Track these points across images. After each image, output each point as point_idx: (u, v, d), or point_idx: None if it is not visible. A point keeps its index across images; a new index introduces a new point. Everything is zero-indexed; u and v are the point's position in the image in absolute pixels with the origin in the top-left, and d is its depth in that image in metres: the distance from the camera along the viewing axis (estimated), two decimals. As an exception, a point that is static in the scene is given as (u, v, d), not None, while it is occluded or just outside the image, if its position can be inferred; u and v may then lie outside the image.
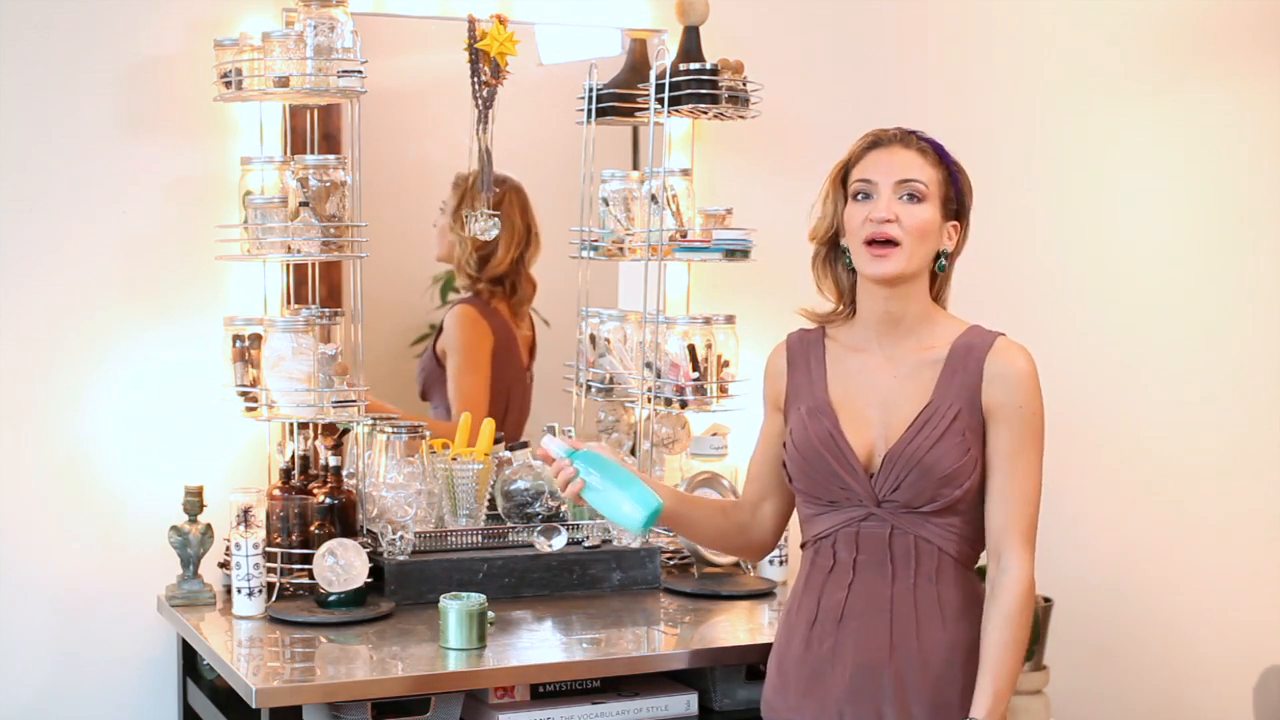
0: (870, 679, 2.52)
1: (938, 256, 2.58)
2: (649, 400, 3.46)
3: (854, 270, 2.60)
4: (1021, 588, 2.49)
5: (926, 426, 2.51)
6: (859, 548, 2.55)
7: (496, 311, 3.57)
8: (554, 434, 2.69)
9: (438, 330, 3.58)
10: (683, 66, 3.41)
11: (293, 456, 3.25)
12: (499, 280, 3.56)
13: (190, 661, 3.19)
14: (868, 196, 2.54)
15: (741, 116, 3.46)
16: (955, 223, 2.59)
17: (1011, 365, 2.52)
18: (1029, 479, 2.52)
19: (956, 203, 2.59)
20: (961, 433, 2.51)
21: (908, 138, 2.57)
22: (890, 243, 2.51)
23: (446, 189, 3.53)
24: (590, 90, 3.51)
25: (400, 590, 3.13)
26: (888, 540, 2.53)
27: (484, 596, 2.89)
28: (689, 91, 3.39)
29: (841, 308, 2.65)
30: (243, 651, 2.88)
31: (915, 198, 2.52)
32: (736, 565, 3.48)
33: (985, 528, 2.55)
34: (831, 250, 2.63)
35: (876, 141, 2.58)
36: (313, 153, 3.29)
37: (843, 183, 2.60)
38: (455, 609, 2.84)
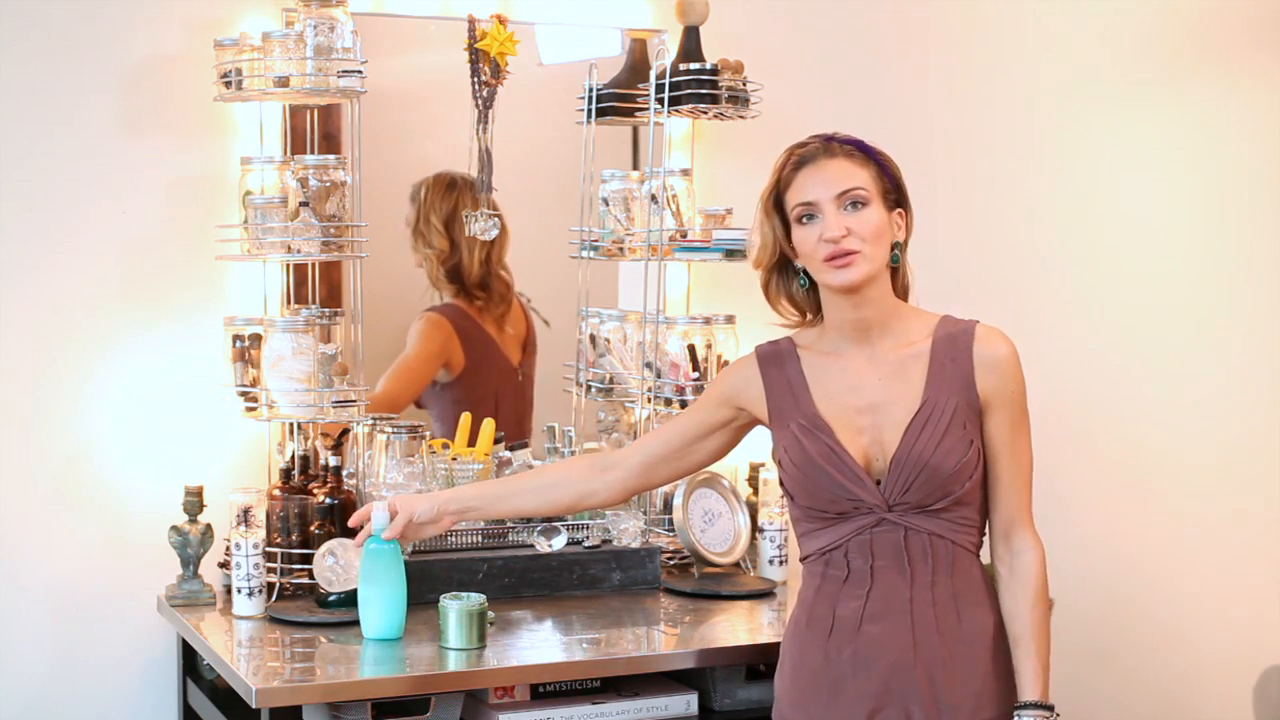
0: (898, 680, 2.53)
1: (895, 248, 2.58)
2: (649, 400, 3.46)
3: (809, 287, 2.60)
4: (1040, 566, 2.58)
5: (928, 426, 2.51)
6: (874, 554, 2.55)
7: (469, 319, 3.56)
8: (384, 503, 2.90)
9: None
10: (683, 66, 3.41)
11: (293, 456, 3.25)
12: (479, 286, 3.55)
13: (190, 661, 3.19)
14: (812, 218, 2.53)
15: (741, 116, 3.46)
16: (899, 210, 2.58)
17: (1000, 351, 2.55)
18: (1026, 459, 2.57)
19: (895, 191, 2.57)
20: (963, 426, 2.52)
21: (830, 146, 2.56)
22: (854, 252, 2.51)
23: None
24: (590, 90, 3.51)
25: (400, 590, 3.13)
26: (903, 542, 2.54)
27: (484, 596, 2.89)
28: (689, 91, 3.39)
29: (806, 319, 2.64)
30: (243, 651, 2.88)
31: (859, 204, 2.52)
32: (736, 565, 3.48)
33: (990, 514, 2.58)
34: (779, 273, 2.62)
35: (802, 160, 2.55)
36: (313, 153, 3.29)
37: (776, 206, 2.58)
38: (455, 609, 2.84)
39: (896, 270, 2.61)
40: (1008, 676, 2.57)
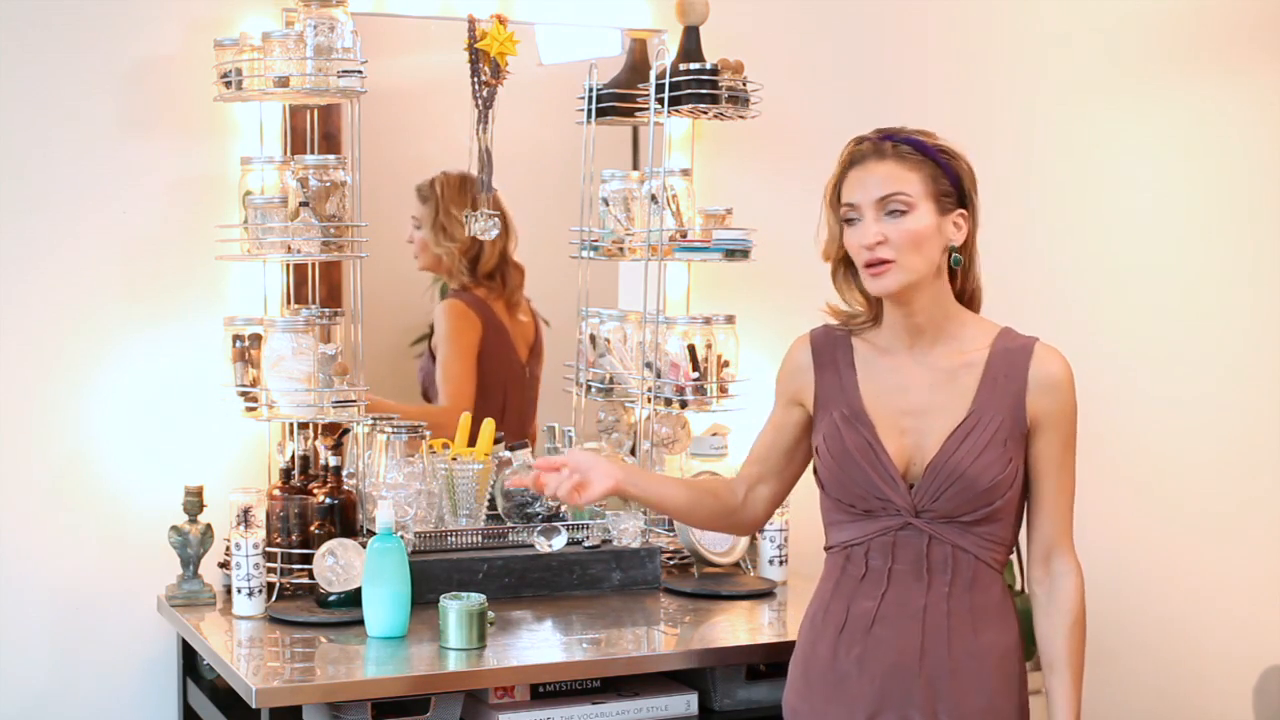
0: (900, 685, 2.51)
1: (953, 252, 2.52)
2: (649, 400, 3.46)
3: None
4: (1080, 591, 2.52)
5: (969, 438, 2.48)
6: (895, 557, 2.52)
7: (487, 306, 3.57)
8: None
9: (431, 328, 3.58)
10: (683, 66, 3.41)
11: (293, 456, 3.25)
12: (490, 276, 3.56)
13: (190, 661, 3.20)
14: (854, 221, 2.49)
15: (741, 116, 3.46)
16: (962, 211, 2.52)
17: (1057, 374, 2.51)
18: (1070, 481, 2.53)
19: (957, 190, 2.52)
20: (1004, 443, 2.48)
21: (882, 147, 2.49)
22: (887, 261, 2.47)
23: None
24: (590, 90, 3.51)
25: (400, 590, 3.13)
26: (925, 549, 2.51)
27: (484, 596, 2.89)
28: (689, 91, 3.39)
29: (869, 313, 2.59)
30: (243, 651, 2.88)
31: (899, 211, 2.46)
32: (736, 565, 3.48)
33: (1030, 533, 2.54)
34: (848, 265, 2.57)
35: (853, 159, 2.50)
36: (313, 153, 3.29)
37: (836, 200, 2.54)
38: (455, 609, 2.84)
39: (962, 274, 2.55)
40: (1017, 698, 2.53)
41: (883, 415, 2.54)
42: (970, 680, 2.50)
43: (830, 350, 2.61)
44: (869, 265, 2.48)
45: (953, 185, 2.51)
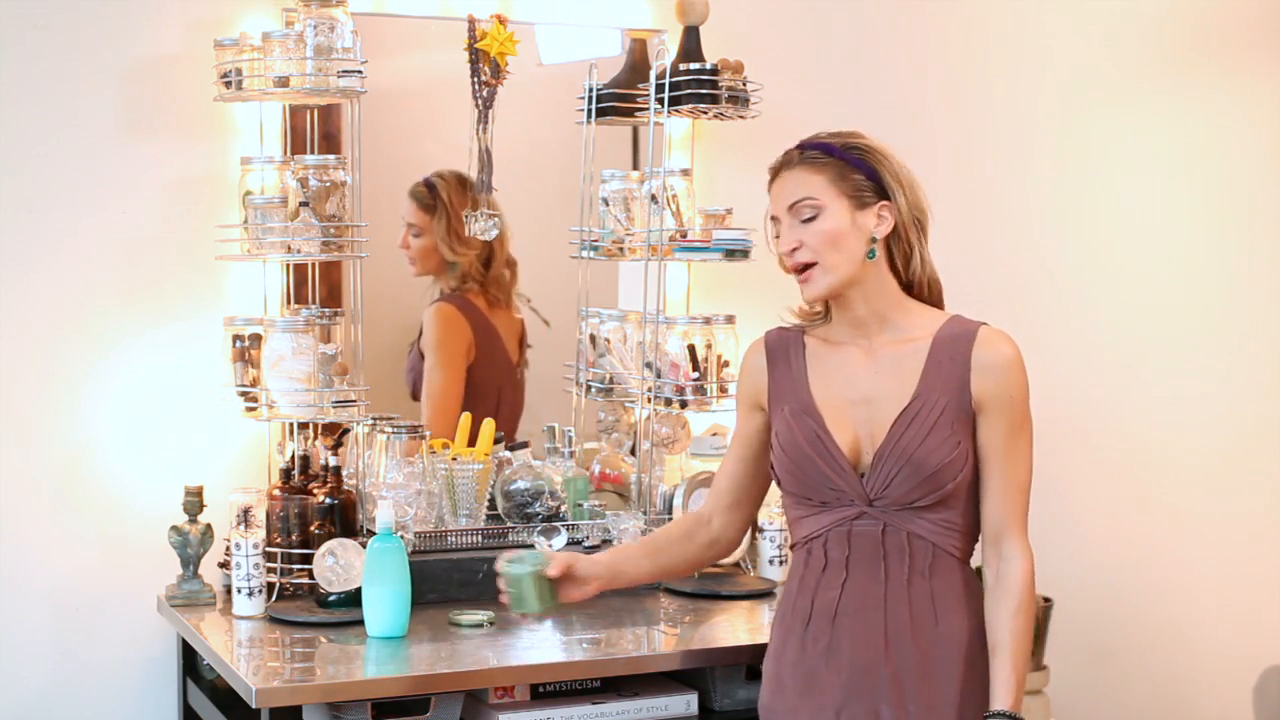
0: (866, 678, 2.52)
1: (873, 244, 2.53)
2: (649, 400, 3.46)
3: None
4: (1027, 576, 2.52)
5: (915, 421, 2.51)
6: (851, 546, 2.55)
7: (475, 307, 3.56)
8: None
9: (420, 329, 3.58)
10: (683, 66, 3.42)
11: (293, 456, 3.25)
12: (497, 277, 3.56)
13: (190, 661, 3.20)
14: (778, 235, 2.58)
15: (741, 116, 3.46)
16: (884, 203, 2.53)
17: (1000, 355, 2.52)
18: (1022, 467, 2.54)
19: (875, 183, 2.53)
20: (950, 425, 2.50)
21: (791, 156, 2.57)
22: (810, 265, 2.53)
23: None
24: (590, 90, 3.51)
25: (400, 590, 3.13)
26: (880, 538, 2.53)
27: (542, 555, 2.70)
28: (689, 91, 3.39)
29: (824, 310, 2.64)
30: (243, 651, 2.88)
31: (810, 215, 2.52)
32: (736, 565, 3.48)
33: (981, 518, 2.56)
34: None
35: (772, 176, 2.59)
36: (313, 153, 3.29)
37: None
38: (527, 575, 2.62)
39: (900, 265, 2.57)
40: (984, 687, 2.53)
41: (832, 407, 2.57)
42: (937, 670, 2.52)
43: (783, 349, 2.65)
44: (796, 272, 2.55)
45: (869, 178, 2.53)
